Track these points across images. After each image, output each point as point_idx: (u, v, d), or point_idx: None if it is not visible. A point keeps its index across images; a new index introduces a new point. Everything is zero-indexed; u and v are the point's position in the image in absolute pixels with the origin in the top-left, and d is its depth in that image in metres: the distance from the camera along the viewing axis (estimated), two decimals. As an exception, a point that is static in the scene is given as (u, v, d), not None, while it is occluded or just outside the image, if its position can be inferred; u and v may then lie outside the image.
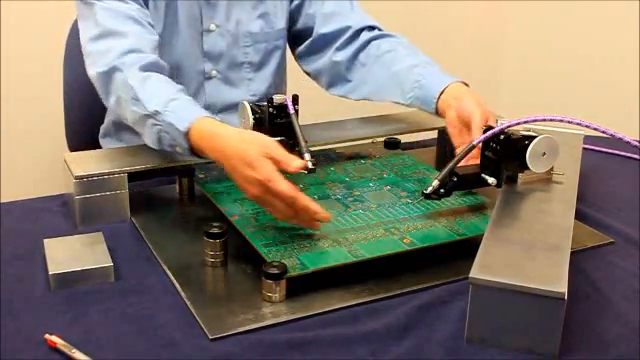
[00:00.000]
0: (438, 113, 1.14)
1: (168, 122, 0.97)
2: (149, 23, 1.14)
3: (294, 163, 0.89)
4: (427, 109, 1.16)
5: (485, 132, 0.97)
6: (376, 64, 1.24)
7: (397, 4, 2.09)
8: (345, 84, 1.30)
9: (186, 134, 0.96)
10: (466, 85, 1.14)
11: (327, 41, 1.30)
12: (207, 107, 1.24)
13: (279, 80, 1.36)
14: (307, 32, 1.32)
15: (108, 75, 1.06)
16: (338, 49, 1.29)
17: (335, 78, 1.31)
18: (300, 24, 1.33)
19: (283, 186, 0.87)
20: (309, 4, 1.31)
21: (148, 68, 1.05)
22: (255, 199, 0.91)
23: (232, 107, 1.27)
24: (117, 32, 1.09)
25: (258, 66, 1.30)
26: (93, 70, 1.08)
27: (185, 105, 1.00)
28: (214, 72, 1.27)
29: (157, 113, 0.99)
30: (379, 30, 1.28)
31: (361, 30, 1.27)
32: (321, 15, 1.29)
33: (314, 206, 0.89)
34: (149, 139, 1.04)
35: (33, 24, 1.75)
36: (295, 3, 1.32)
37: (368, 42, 1.27)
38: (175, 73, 1.21)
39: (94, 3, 1.11)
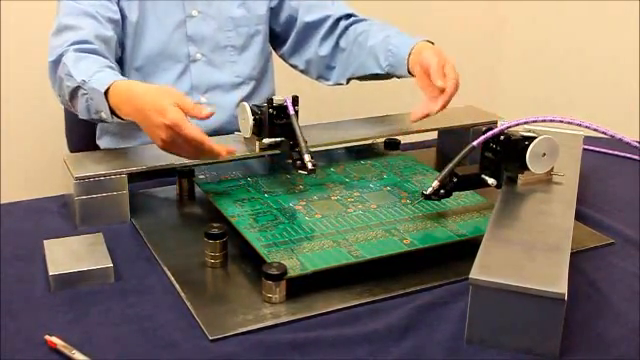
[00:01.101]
0: (411, 74, 1.20)
1: (91, 87, 1.05)
2: (109, 18, 1.21)
3: (204, 111, 0.97)
4: (403, 74, 1.23)
5: (485, 132, 0.96)
6: (354, 46, 1.32)
7: (396, 4, 2.08)
8: (331, 72, 1.38)
9: (105, 93, 1.03)
10: (431, 43, 1.21)
11: (311, 29, 1.38)
12: (193, 88, 1.32)
13: (263, 65, 1.40)
14: (290, 24, 1.39)
15: (57, 63, 1.14)
16: (322, 40, 1.37)
17: (322, 70, 1.40)
18: (283, 17, 1.39)
19: (192, 130, 0.95)
20: None
21: (85, 51, 1.13)
22: (164, 144, 0.97)
23: (217, 88, 1.34)
24: (72, 26, 1.17)
25: (241, 49, 1.36)
26: (48, 61, 1.16)
27: (108, 75, 1.07)
28: (199, 55, 1.32)
29: (84, 82, 1.07)
30: (355, 17, 1.37)
31: (339, 19, 1.36)
32: (304, 6, 1.37)
33: (218, 148, 0.98)
34: (80, 109, 1.11)
35: (33, 24, 1.75)
36: (275, 2, 1.38)
37: (346, 28, 1.35)
38: (160, 57, 1.28)
39: (60, 0, 1.22)
